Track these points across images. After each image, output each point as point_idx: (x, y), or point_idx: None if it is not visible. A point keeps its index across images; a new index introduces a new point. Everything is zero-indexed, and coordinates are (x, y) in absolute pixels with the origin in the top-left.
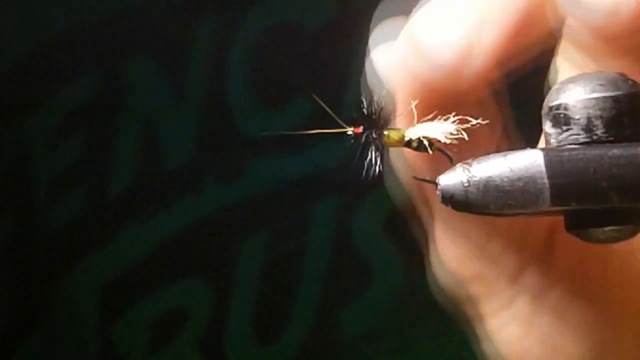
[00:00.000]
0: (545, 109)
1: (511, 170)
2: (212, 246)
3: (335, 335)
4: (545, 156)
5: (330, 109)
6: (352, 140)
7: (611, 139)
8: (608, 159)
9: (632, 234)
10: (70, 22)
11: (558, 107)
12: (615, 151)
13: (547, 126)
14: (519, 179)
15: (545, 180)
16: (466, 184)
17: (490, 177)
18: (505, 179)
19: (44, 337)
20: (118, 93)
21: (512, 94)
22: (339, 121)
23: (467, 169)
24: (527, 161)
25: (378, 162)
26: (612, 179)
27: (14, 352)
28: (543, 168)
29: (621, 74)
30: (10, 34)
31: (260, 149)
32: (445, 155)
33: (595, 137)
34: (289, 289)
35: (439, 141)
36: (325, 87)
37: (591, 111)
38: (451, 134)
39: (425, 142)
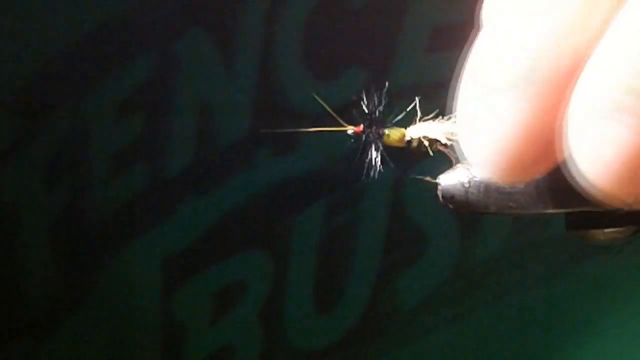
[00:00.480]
0: None
1: None
2: (269, 218)
3: (392, 304)
4: None
5: (381, 80)
6: (352, 140)
7: None
8: None
9: (633, 235)
10: (126, 3)
11: None
12: None
13: None
14: None
15: (547, 183)
16: (467, 185)
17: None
18: None
19: (99, 307)
20: (173, 71)
21: None
22: (340, 120)
23: (468, 169)
24: None
25: (378, 161)
26: None
27: (67, 320)
28: None
29: None
30: (72, 15)
31: (314, 122)
32: (446, 155)
33: None
34: (345, 259)
35: (439, 141)
36: (374, 58)
37: None
38: (452, 134)
39: (426, 142)
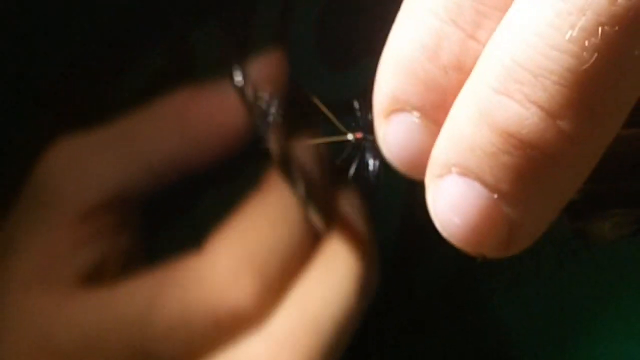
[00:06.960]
0: None
1: None
2: None
3: (409, 291)
4: None
5: None
6: (353, 146)
7: None
8: None
9: (637, 232)
10: None
11: None
12: None
13: None
14: None
15: None
16: None
17: None
18: None
19: None
20: (184, 64)
21: None
22: (340, 127)
23: None
24: None
25: (378, 168)
26: None
27: None
28: None
29: None
30: (85, 8)
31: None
32: None
33: None
34: None
35: None
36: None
37: None
38: None
39: None
